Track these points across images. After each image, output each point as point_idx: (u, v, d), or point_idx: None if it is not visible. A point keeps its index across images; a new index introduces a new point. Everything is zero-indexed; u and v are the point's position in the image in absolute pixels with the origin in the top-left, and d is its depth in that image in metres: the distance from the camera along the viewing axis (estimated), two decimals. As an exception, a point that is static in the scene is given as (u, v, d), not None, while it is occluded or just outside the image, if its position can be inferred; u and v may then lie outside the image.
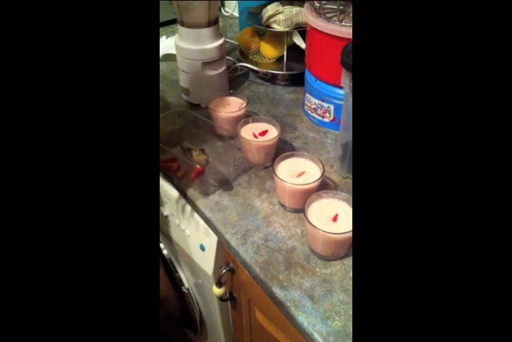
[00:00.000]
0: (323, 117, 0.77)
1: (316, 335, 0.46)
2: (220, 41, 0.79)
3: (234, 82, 0.92)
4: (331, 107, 0.74)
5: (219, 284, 0.69)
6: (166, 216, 0.81)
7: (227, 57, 0.89)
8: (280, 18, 0.83)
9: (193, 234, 0.74)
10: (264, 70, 0.89)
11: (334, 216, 0.53)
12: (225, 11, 1.25)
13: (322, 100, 0.75)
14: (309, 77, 0.78)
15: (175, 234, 0.82)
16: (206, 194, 0.65)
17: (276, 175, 0.58)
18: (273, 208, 0.62)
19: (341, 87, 0.71)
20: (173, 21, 1.17)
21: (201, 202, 0.64)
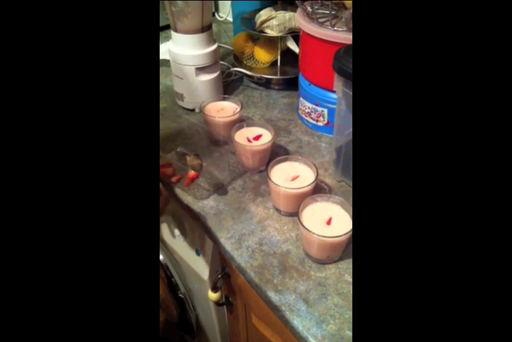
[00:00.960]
0: (317, 121, 0.77)
1: (311, 339, 0.46)
2: (214, 47, 0.80)
3: (229, 87, 0.93)
4: (325, 111, 0.75)
5: (214, 289, 0.69)
6: (162, 222, 0.81)
7: (221, 62, 0.90)
8: (273, 23, 0.84)
9: (188, 239, 0.74)
10: (259, 75, 0.90)
11: (328, 220, 0.53)
12: (219, 16, 1.26)
13: (316, 104, 0.75)
14: (302, 81, 0.78)
15: (170, 239, 0.82)
16: (201, 198, 0.65)
17: (270, 179, 0.59)
18: (268, 212, 0.62)
19: (334, 92, 0.71)
20: (167, 27, 1.17)
21: (196, 207, 0.64)
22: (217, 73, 0.83)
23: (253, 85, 0.93)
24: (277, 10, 0.86)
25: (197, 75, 0.80)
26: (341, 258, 0.55)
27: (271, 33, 0.86)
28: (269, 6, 0.90)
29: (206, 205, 0.64)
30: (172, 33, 0.78)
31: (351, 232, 0.50)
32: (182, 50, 0.78)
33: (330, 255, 0.53)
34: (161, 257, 0.88)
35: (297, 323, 0.48)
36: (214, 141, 0.76)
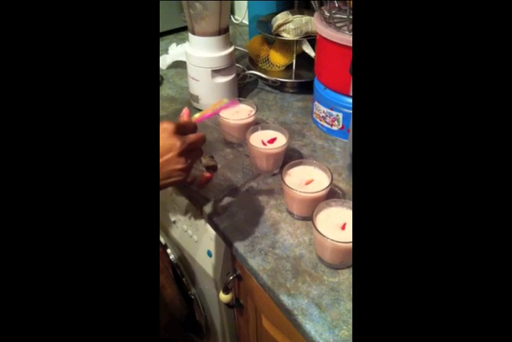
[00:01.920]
0: (331, 125, 0.77)
1: (323, 344, 0.46)
2: (230, 49, 0.80)
3: (244, 89, 0.93)
4: (340, 115, 0.75)
5: (226, 290, 0.69)
6: (174, 222, 0.82)
7: (237, 64, 0.90)
8: (290, 26, 0.84)
9: (201, 240, 0.74)
10: (273, 78, 0.90)
11: (343, 225, 0.53)
12: (235, 19, 1.26)
13: (331, 109, 0.75)
14: (317, 85, 0.78)
15: (182, 240, 0.83)
16: (214, 200, 0.65)
17: (284, 183, 0.59)
18: (281, 215, 0.63)
19: (350, 96, 0.71)
20: (183, 29, 1.18)
21: (209, 209, 0.64)
22: (233, 75, 0.83)
23: (268, 88, 0.94)
24: (293, 14, 0.86)
25: (213, 77, 0.80)
26: (354, 264, 0.55)
27: (287, 36, 0.86)
28: (285, 9, 0.90)
29: (219, 207, 0.64)
30: (190, 35, 0.79)
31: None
32: (198, 53, 0.79)
33: (343, 260, 0.53)
34: (172, 257, 0.88)
35: (310, 327, 0.48)
36: (229, 143, 0.76)
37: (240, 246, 0.58)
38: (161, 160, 0.48)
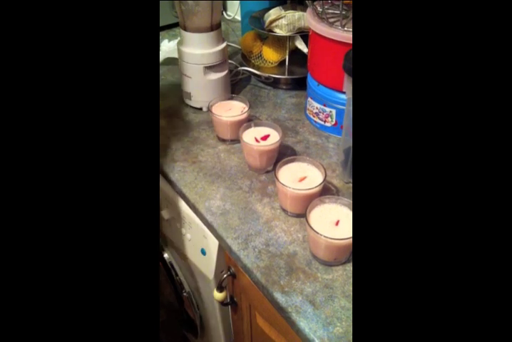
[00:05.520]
0: (325, 121, 0.77)
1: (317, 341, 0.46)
2: (223, 45, 0.79)
3: (236, 86, 0.92)
4: (333, 111, 0.74)
5: (220, 288, 0.69)
6: (167, 220, 0.81)
7: (229, 61, 0.90)
8: (283, 22, 0.84)
9: (194, 238, 0.74)
10: (266, 74, 0.89)
11: (336, 222, 0.53)
12: (227, 15, 1.25)
13: (324, 105, 0.75)
14: (311, 81, 0.78)
15: (176, 238, 0.82)
16: (207, 198, 0.65)
17: (278, 180, 0.58)
18: (274, 213, 0.62)
19: (344, 92, 0.71)
20: (175, 25, 1.17)
21: (202, 206, 0.64)
22: (226, 71, 0.83)
23: (261, 84, 0.93)
24: (286, 9, 0.85)
25: (205, 73, 0.80)
26: (348, 261, 0.54)
27: (280, 32, 0.85)
28: (278, 5, 0.89)
29: (213, 205, 0.64)
30: (181, 31, 0.78)
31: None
32: (190, 49, 0.78)
33: (337, 257, 0.53)
34: (166, 255, 0.88)
35: (304, 325, 0.47)
36: (222, 140, 0.76)
37: (234, 244, 0.58)
38: None
